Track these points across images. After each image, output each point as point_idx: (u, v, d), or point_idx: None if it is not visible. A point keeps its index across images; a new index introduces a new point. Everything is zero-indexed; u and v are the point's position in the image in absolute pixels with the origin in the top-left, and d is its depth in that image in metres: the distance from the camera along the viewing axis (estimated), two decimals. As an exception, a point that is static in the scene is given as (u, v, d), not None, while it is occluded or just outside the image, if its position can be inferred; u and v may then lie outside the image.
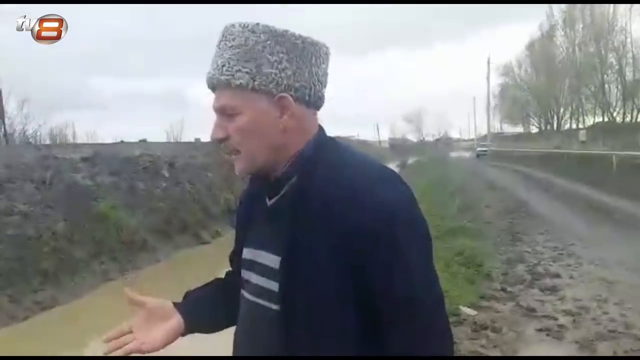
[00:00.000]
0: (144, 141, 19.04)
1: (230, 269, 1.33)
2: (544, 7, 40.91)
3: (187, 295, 1.29)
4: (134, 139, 19.88)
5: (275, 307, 1.06)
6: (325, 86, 1.13)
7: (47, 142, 24.05)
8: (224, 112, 1.09)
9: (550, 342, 4.85)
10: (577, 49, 38.22)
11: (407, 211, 1.05)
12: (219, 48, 1.09)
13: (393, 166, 41.37)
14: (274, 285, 1.06)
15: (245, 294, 1.16)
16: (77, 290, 8.90)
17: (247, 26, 1.06)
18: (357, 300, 1.01)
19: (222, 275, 1.38)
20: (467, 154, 57.44)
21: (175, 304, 1.24)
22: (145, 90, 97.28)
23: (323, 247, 1.01)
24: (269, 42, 1.05)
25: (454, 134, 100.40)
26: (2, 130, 22.93)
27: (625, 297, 5.95)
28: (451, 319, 5.34)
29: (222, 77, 1.06)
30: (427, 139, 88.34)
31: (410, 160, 44.91)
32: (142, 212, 11.88)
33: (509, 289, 6.49)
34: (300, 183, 1.07)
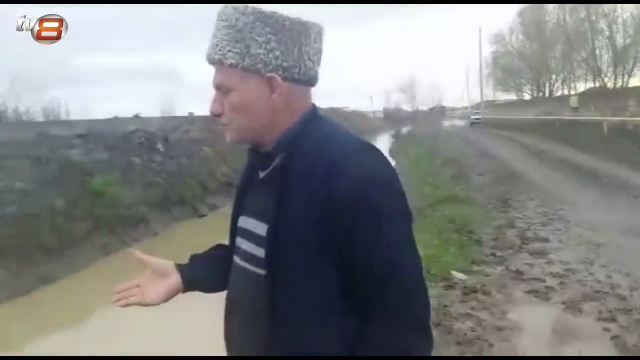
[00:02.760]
0: (137, 116, 19.00)
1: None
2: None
3: (191, 258, 1.39)
4: (128, 114, 19.80)
5: (261, 272, 1.13)
6: (318, 64, 1.17)
7: (40, 119, 23.93)
8: (219, 89, 1.16)
9: (538, 302, 5.05)
10: (567, 15, 37.97)
11: (387, 182, 1.11)
12: (215, 27, 1.14)
13: (387, 136, 41.40)
14: (261, 252, 1.13)
15: (236, 259, 1.25)
16: (77, 264, 9.08)
17: (238, 8, 1.12)
18: (339, 267, 1.08)
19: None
20: (461, 123, 57.38)
21: (177, 265, 1.35)
22: (138, 66, 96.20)
23: (307, 217, 1.07)
24: (257, 23, 1.10)
25: (448, 103, 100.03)
26: (-6, 107, 22.78)
27: (611, 258, 6.16)
28: (442, 283, 5.58)
29: (216, 56, 1.13)
30: (421, 108, 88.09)
31: (404, 130, 44.88)
32: (138, 186, 11.99)
33: (498, 253, 6.68)
34: (286, 158, 1.13)
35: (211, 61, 1.16)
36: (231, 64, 1.11)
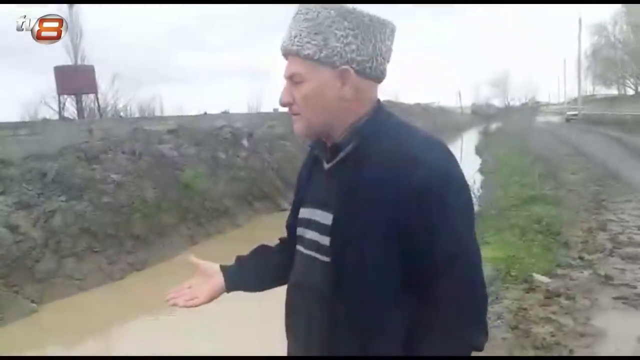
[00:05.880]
0: (226, 112, 19.59)
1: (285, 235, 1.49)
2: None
3: (236, 259, 1.47)
4: (217, 110, 20.50)
5: (326, 259, 1.18)
6: (388, 61, 1.22)
7: (137, 115, 25.41)
8: (292, 79, 1.20)
9: (627, 310, 4.72)
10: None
11: (456, 178, 1.15)
12: (294, 20, 1.19)
13: (474, 133, 40.09)
14: (326, 240, 1.18)
15: (300, 248, 1.29)
16: (165, 253, 9.56)
17: (322, 4, 1.17)
18: (403, 255, 1.11)
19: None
20: (555, 119, 54.46)
21: (221, 267, 1.44)
22: (227, 63, 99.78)
23: (377, 205, 1.11)
24: (337, 17, 1.15)
25: (542, 98, 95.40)
26: (96, 104, 24.49)
27: None
28: (523, 286, 5.35)
29: (293, 47, 1.17)
30: (512, 103, 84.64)
31: (493, 127, 43.30)
32: (224, 180, 12.43)
33: (587, 257, 6.29)
34: (358, 149, 1.17)
35: (288, 52, 1.20)
36: (307, 54, 1.16)
